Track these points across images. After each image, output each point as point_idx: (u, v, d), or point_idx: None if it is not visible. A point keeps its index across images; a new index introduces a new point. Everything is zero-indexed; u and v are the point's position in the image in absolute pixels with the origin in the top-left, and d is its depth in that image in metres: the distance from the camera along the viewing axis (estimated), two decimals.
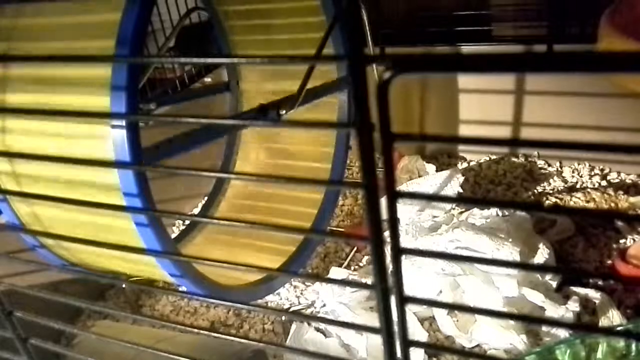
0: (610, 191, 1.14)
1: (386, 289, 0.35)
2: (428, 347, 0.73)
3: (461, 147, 1.41)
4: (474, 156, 1.40)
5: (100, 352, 0.83)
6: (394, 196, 0.32)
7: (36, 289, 0.55)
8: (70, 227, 0.79)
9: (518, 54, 0.28)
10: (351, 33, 0.29)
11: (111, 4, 0.71)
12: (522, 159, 1.36)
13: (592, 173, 1.27)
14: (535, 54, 0.28)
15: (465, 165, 1.38)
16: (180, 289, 0.87)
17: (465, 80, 1.35)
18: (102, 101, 0.68)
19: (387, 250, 0.35)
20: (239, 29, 1.24)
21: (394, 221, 0.32)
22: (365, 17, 1.10)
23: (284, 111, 0.90)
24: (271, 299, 1.08)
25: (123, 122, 0.66)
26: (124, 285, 1.13)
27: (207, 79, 1.42)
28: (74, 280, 1.09)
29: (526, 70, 0.27)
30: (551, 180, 1.27)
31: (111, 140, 0.68)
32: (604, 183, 1.22)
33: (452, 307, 0.91)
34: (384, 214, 0.33)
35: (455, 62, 0.30)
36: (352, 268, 1.12)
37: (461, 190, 1.18)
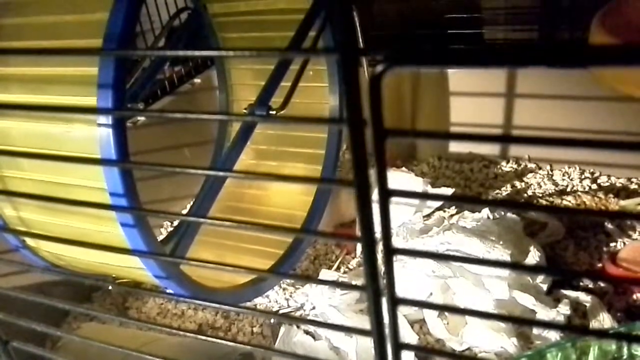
0: (601, 194, 1.14)
1: (378, 290, 0.34)
2: (419, 350, 0.72)
3: (452, 149, 1.41)
4: (464, 158, 1.40)
5: (86, 355, 0.82)
6: (386, 194, 0.31)
7: (19, 291, 0.54)
8: (55, 230, 0.78)
9: (510, 47, 0.27)
10: (343, 25, 0.28)
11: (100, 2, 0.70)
12: (512, 162, 1.35)
13: (583, 176, 1.27)
14: (526, 47, 0.27)
15: (456, 167, 1.38)
16: (167, 291, 0.86)
17: (456, 82, 1.35)
18: (88, 100, 0.67)
19: (379, 251, 0.34)
20: (230, 29, 1.23)
21: (386, 220, 0.32)
22: (356, 19, 1.09)
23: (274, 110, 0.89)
24: (260, 302, 1.07)
25: (109, 120, 0.65)
26: (109, 287, 1.12)
27: (197, 80, 1.40)
28: (60, 282, 1.07)
29: (517, 64, 0.27)
30: (542, 184, 1.27)
31: (97, 138, 0.67)
32: (594, 186, 1.22)
33: (444, 309, 0.90)
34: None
35: (448, 56, 0.29)
36: (342, 270, 1.11)
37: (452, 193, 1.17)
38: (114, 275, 0.88)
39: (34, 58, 0.72)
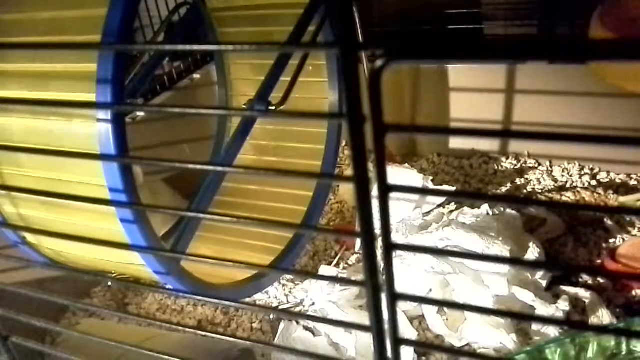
0: (600, 190, 1.14)
1: (377, 285, 0.34)
2: (419, 345, 0.72)
3: (452, 145, 1.41)
4: (464, 154, 1.40)
5: (86, 351, 0.82)
6: (386, 189, 0.31)
7: (19, 286, 0.54)
8: (55, 228, 0.78)
9: (509, 42, 0.27)
10: (343, 19, 0.28)
11: None
12: (512, 159, 1.35)
13: (582, 172, 1.27)
14: (526, 43, 0.27)
15: (456, 164, 1.38)
16: (167, 287, 0.86)
17: (456, 78, 1.34)
18: (88, 96, 0.67)
19: (378, 246, 0.34)
20: (229, 24, 1.23)
21: (385, 215, 0.31)
22: (356, 14, 1.09)
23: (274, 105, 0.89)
24: (260, 298, 1.07)
25: (108, 116, 0.65)
26: (109, 283, 1.12)
27: (196, 75, 1.40)
28: (60, 278, 1.07)
29: (517, 60, 0.27)
30: (541, 180, 1.27)
31: (97, 134, 0.67)
32: (593, 182, 1.22)
33: (443, 304, 0.90)
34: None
35: (447, 51, 0.29)
36: (341, 266, 1.11)
37: (452, 189, 1.17)
38: (114, 272, 0.88)
39: (33, 54, 0.72)
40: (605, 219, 1.08)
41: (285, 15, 1.09)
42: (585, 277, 0.96)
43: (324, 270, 1.08)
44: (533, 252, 0.95)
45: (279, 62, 0.94)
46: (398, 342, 0.36)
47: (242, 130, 0.96)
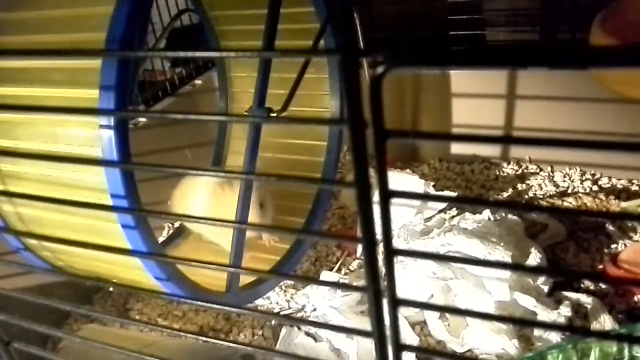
0: (602, 196, 1.14)
1: (378, 291, 0.34)
2: (420, 351, 0.72)
3: (453, 151, 1.41)
4: (465, 160, 1.40)
5: (87, 357, 0.82)
6: (387, 195, 0.31)
7: (20, 292, 0.54)
8: (56, 230, 0.78)
9: (511, 48, 0.27)
10: (344, 26, 0.28)
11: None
12: (513, 164, 1.35)
13: (584, 178, 1.26)
14: (527, 49, 0.27)
15: (457, 169, 1.38)
16: (168, 292, 0.86)
17: (457, 84, 1.35)
18: (91, 102, 0.67)
19: (380, 252, 0.34)
20: (230, 33, 1.23)
21: (386, 221, 0.32)
22: (357, 20, 1.09)
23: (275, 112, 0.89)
24: (261, 303, 1.07)
25: (111, 122, 0.65)
26: (110, 289, 1.11)
27: (198, 81, 1.41)
28: (61, 283, 1.07)
29: (519, 65, 0.27)
30: (542, 185, 1.27)
31: (99, 139, 0.67)
32: (595, 188, 1.22)
33: (445, 310, 0.90)
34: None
35: (448, 57, 0.29)
36: (343, 272, 1.11)
37: (454, 195, 1.17)
38: (114, 280, 0.87)
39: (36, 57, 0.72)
40: (606, 225, 1.08)
41: (285, 14, 1.09)
42: (587, 283, 0.96)
43: (325, 275, 1.08)
44: (534, 258, 0.95)
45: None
46: (400, 347, 0.36)
47: (253, 140, 0.94)
